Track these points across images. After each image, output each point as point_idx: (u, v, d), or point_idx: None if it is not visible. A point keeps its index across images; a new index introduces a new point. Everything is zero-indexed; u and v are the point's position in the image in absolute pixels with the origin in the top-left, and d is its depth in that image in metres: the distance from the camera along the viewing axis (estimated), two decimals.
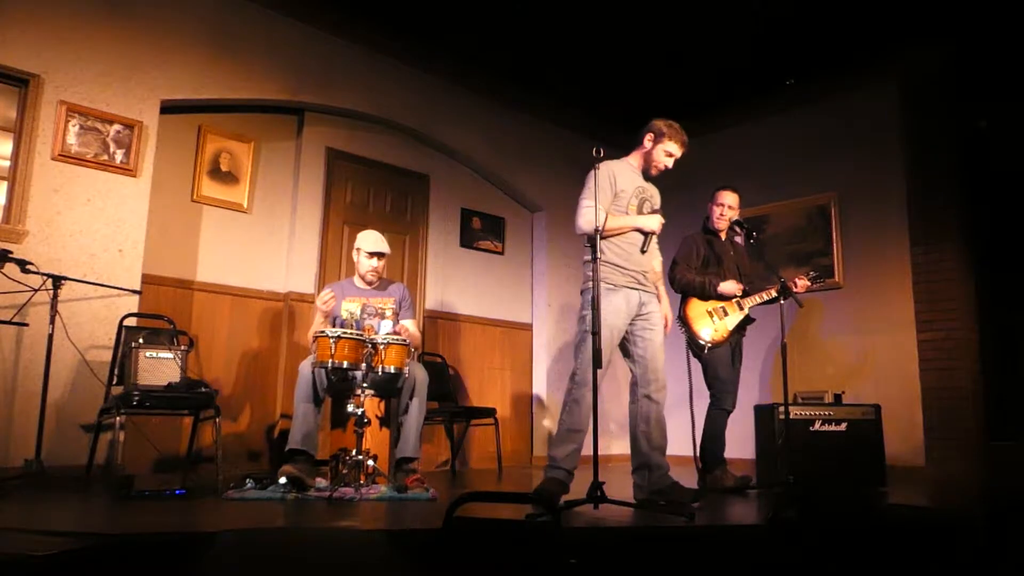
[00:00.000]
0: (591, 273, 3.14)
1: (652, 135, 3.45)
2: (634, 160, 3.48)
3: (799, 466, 3.78)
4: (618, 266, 3.26)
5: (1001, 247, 5.09)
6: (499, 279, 6.09)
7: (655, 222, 3.30)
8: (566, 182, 6.31)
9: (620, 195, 3.33)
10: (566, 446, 3.16)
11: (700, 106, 6.24)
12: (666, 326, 3.46)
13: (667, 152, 3.43)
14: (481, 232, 6.03)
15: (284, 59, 4.80)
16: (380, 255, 3.91)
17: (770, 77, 5.66)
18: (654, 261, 3.49)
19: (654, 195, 3.50)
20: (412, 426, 3.63)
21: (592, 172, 3.21)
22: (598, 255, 3.03)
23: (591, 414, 3.01)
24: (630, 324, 3.32)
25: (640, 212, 3.37)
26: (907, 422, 4.90)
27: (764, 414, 4.24)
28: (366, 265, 3.93)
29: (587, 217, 3.18)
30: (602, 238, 3.17)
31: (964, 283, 5.01)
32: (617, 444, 6.39)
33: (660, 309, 3.42)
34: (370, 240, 3.93)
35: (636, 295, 3.31)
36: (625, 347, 3.36)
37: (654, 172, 3.45)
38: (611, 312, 3.20)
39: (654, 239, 3.33)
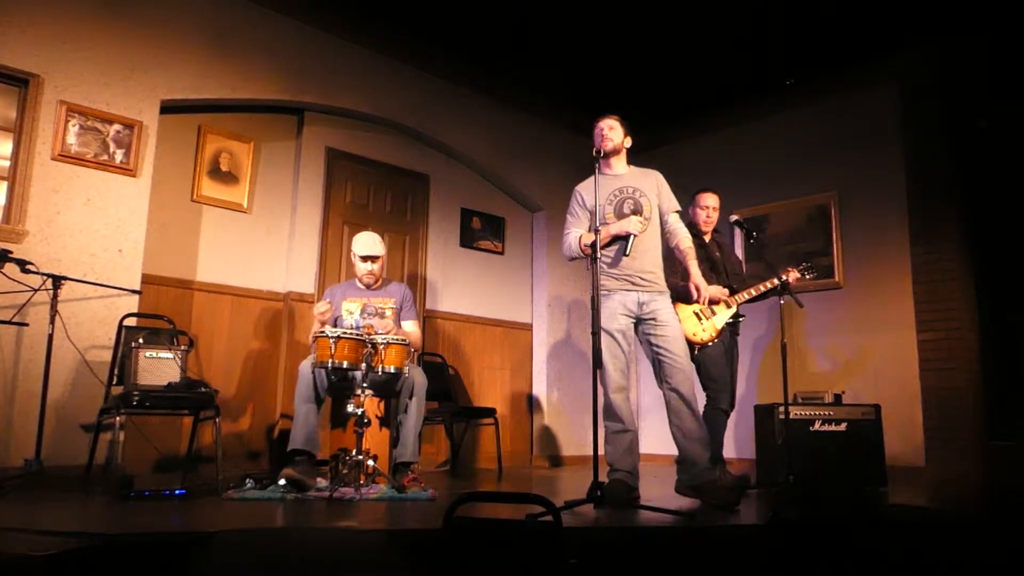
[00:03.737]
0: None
1: None
2: (603, 166, 3.53)
3: (799, 466, 3.78)
4: (608, 274, 3.41)
5: (1001, 247, 5.09)
6: (499, 279, 6.09)
7: (626, 226, 3.35)
8: (566, 182, 6.28)
9: (593, 212, 3.43)
10: (614, 447, 3.30)
11: (700, 106, 6.25)
12: (699, 293, 3.44)
13: (596, 131, 3.61)
14: (481, 232, 6.03)
15: (284, 59, 4.80)
16: (373, 258, 3.90)
17: (770, 77, 5.66)
18: (680, 239, 3.55)
19: (638, 188, 3.51)
20: (410, 430, 3.63)
21: (570, 200, 3.58)
22: (597, 258, 3.17)
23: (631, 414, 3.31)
24: (640, 326, 3.44)
25: (619, 216, 3.44)
26: (907, 422, 4.90)
27: (764, 414, 4.24)
28: (361, 269, 3.93)
29: (565, 243, 3.56)
30: (588, 256, 3.36)
31: (964, 283, 5.01)
32: None
33: (669, 304, 3.44)
34: (361, 243, 3.92)
35: (634, 296, 3.41)
36: (645, 349, 3.47)
37: (603, 148, 3.47)
38: (608, 317, 3.36)
39: (636, 240, 3.35)
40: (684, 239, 3.55)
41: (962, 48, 5.03)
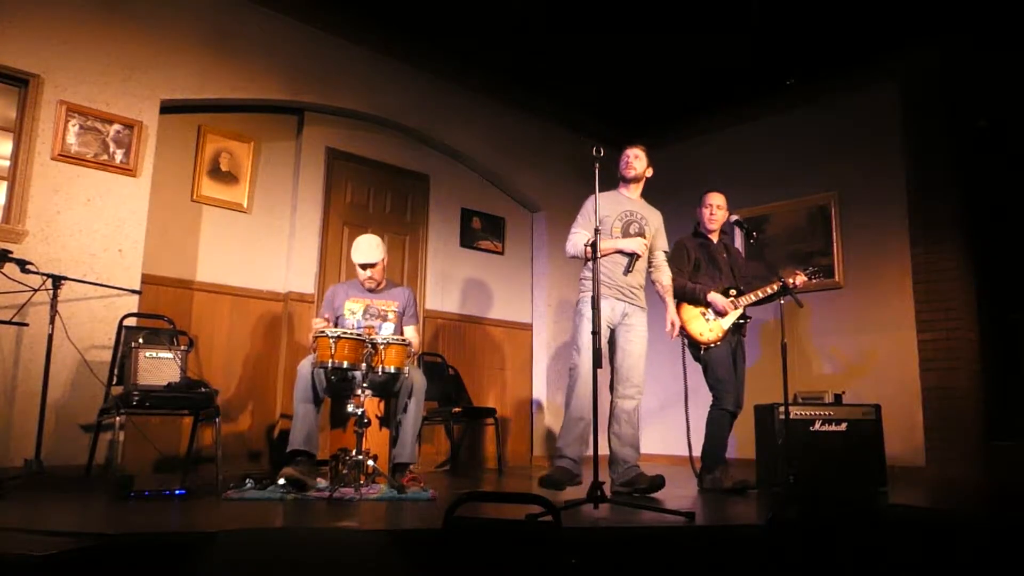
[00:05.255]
0: (586, 284, 3.73)
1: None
2: (622, 187, 3.97)
3: (799, 466, 3.78)
4: (602, 282, 3.58)
5: (1001, 247, 5.09)
6: (499, 279, 6.09)
7: (635, 244, 3.73)
8: (566, 182, 6.33)
9: (603, 221, 3.67)
10: (569, 434, 3.65)
11: (700, 106, 6.25)
12: (673, 329, 3.89)
13: (626, 155, 3.96)
14: (481, 232, 6.03)
15: (284, 59, 4.80)
16: (370, 265, 3.89)
17: (770, 77, 5.66)
18: (663, 276, 3.96)
19: (645, 217, 3.90)
20: (409, 432, 3.63)
21: (585, 203, 3.82)
22: (598, 257, 3.25)
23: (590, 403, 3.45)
24: (613, 332, 3.77)
25: (625, 235, 3.80)
26: (907, 422, 4.90)
27: (764, 414, 4.24)
28: (360, 275, 3.92)
29: (571, 241, 3.79)
30: (588, 259, 3.65)
31: (964, 283, 5.01)
32: None
33: (644, 321, 3.80)
34: (359, 252, 3.88)
35: (621, 305, 3.76)
36: (608, 352, 3.77)
37: (626, 175, 3.94)
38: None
39: (638, 260, 3.75)
40: (666, 276, 3.97)
41: (962, 48, 5.03)
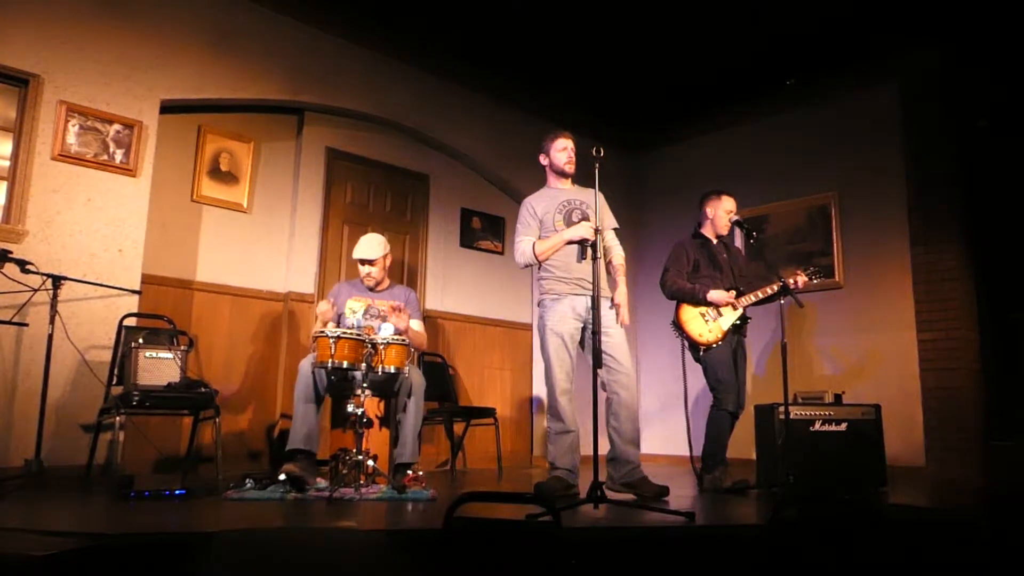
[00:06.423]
0: (543, 285, 3.66)
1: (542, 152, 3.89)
2: (554, 181, 3.84)
3: (799, 466, 3.78)
4: (559, 278, 3.58)
5: (1001, 247, 5.09)
6: (499, 279, 6.09)
7: (581, 230, 3.52)
8: None
9: (544, 219, 3.67)
10: (556, 447, 3.49)
11: (700, 106, 6.25)
12: (619, 312, 3.55)
13: (560, 148, 3.80)
14: (481, 232, 6.03)
15: (284, 59, 4.80)
16: (370, 262, 3.90)
17: (770, 77, 5.66)
18: (614, 255, 3.73)
19: (584, 202, 3.70)
20: (409, 431, 3.63)
21: (520, 210, 3.76)
22: (598, 257, 3.17)
23: (573, 415, 3.45)
24: (585, 331, 3.58)
25: (568, 224, 3.62)
26: (907, 422, 4.89)
27: (764, 414, 4.24)
28: (361, 271, 3.94)
29: (519, 250, 3.70)
30: (542, 261, 3.62)
31: (964, 283, 5.01)
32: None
33: (612, 302, 3.55)
34: (359, 248, 3.93)
35: (583, 300, 3.55)
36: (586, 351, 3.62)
37: (569, 171, 3.78)
38: (558, 320, 3.55)
39: (592, 245, 3.47)
40: (618, 256, 3.74)
41: (962, 48, 5.03)
